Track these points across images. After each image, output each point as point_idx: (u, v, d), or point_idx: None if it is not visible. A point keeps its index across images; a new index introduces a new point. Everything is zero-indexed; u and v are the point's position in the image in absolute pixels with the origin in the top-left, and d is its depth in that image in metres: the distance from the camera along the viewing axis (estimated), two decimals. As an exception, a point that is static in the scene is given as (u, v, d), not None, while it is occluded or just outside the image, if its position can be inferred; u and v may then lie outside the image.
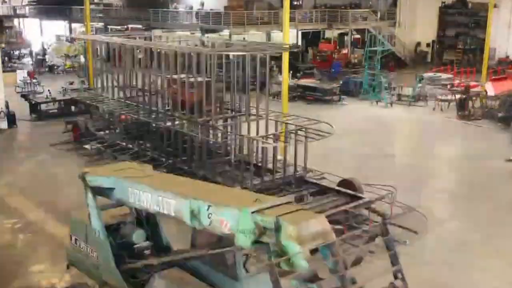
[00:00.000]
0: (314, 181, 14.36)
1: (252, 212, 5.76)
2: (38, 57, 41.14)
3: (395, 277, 5.79)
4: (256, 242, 5.72)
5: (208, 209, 6.19)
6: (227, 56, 16.71)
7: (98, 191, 7.87)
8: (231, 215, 5.94)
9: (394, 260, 5.79)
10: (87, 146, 19.11)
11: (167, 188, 6.89)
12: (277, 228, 5.50)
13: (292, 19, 28.57)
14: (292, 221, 5.50)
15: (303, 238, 5.37)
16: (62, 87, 26.46)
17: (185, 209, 6.47)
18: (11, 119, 22.21)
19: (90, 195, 7.88)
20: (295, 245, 5.33)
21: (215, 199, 6.28)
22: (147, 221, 8.43)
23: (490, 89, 26.92)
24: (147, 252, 8.10)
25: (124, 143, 18.20)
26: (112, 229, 8.21)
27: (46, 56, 40.54)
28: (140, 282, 7.82)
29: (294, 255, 5.30)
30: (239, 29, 34.77)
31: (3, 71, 24.03)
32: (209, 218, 6.19)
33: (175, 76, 16.15)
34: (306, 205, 12.76)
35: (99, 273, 8.19)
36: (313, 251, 5.43)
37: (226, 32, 34.85)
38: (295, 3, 44.82)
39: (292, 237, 5.38)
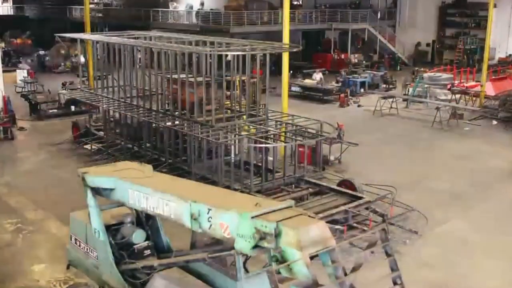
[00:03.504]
0: (314, 181, 14.38)
1: (252, 217, 5.75)
2: (38, 57, 41.12)
3: (394, 283, 5.78)
4: (256, 246, 5.72)
5: (208, 213, 6.18)
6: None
7: (98, 191, 7.87)
8: (231, 219, 5.91)
9: (394, 266, 5.78)
10: (87, 146, 19.15)
11: (167, 190, 6.88)
12: (277, 234, 5.48)
13: (292, 19, 28.57)
14: (292, 226, 5.47)
15: (303, 244, 5.34)
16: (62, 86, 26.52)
17: (185, 212, 6.46)
18: (11, 118, 22.20)
19: (90, 195, 7.88)
20: (295, 251, 5.31)
21: (216, 203, 6.27)
22: (147, 221, 8.43)
23: (490, 89, 26.96)
24: (147, 252, 8.10)
25: (124, 143, 18.21)
26: (112, 229, 8.22)
27: (46, 56, 40.52)
28: (140, 282, 7.82)
29: (294, 261, 5.29)
30: (239, 29, 34.79)
31: (3, 71, 24.01)
32: (209, 221, 6.17)
33: (175, 76, 16.16)
34: (305, 205, 12.86)
35: (99, 273, 8.19)
36: (312, 257, 5.42)
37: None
38: (295, 3, 44.86)
39: (292, 243, 5.36)
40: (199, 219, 6.29)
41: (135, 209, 8.05)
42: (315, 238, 5.48)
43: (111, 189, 7.65)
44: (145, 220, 8.39)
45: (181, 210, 6.53)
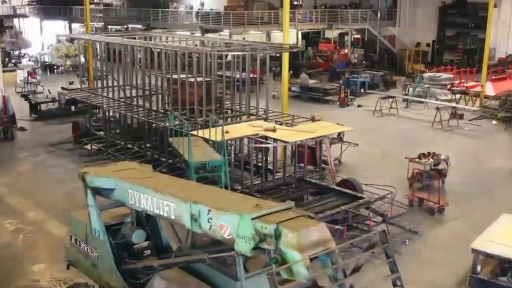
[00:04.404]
0: (314, 181, 14.38)
1: (252, 218, 5.75)
2: (38, 57, 41.14)
3: (394, 285, 5.78)
4: (256, 248, 5.72)
5: (208, 214, 6.18)
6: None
7: (98, 191, 7.87)
8: (231, 220, 5.92)
9: (393, 268, 5.78)
10: (87, 146, 19.14)
11: (168, 191, 6.88)
12: (277, 235, 5.49)
13: (292, 19, 28.57)
14: (292, 228, 5.47)
15: (303, 246, 5.35)
16: (62, 87, 26.51)
17: (185, 213, 6.47)
18: (11, 118, 22.19)
19: (90, 195, 7.88)
20: (295, 253, 5.32)
21: (216, 204, 6.27)
22: (147, 221, 8.43)
23: (490, 89, 26.96)
24: (147, 252, 8.10)
25: (124, 143, 18.21)
26: (112, 229, 8.21)
27: (46, 56, 40.53)
28: (140, 282, 7.82)
29: (294, 263, 5.29)
30: (239, 29, 34.77)
31: (3, 71, 24.01)
32: (209, 222, 6.18)
33: (175, 76, 16.17)
34: (305, 205, 12.86)
35: (99, 273, 8.20)
36: (312, 258, 5.43)
37: (226, 32, 34.89)
38: (295, 3, 44.83)
39: (292, 244, 5.36)
40: (199, 219, 6.30)
41: (135, 209, 8.06)
42: (315, 240, 5.48)
43: (111, 189, 7.66)
44: (145, 220, 8.39)
45: (181, 210, 6.53)
